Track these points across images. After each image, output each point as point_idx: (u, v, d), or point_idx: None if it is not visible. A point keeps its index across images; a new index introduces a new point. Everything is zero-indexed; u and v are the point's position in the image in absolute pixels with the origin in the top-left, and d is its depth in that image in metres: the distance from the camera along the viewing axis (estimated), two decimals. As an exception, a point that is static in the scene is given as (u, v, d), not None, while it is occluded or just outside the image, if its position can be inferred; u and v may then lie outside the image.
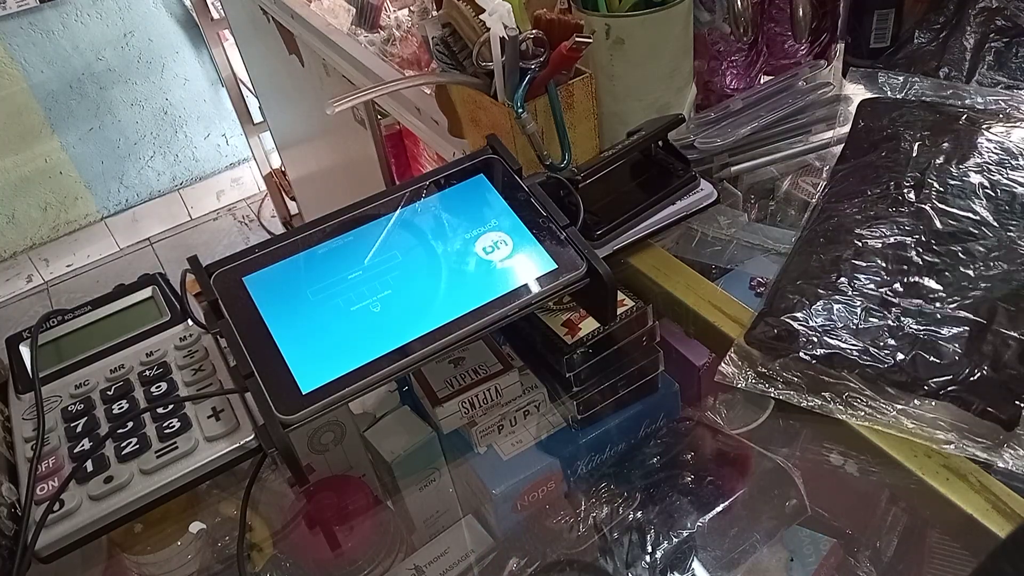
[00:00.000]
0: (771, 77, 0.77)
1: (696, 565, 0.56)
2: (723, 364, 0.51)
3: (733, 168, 0.69)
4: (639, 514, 0.58)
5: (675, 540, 0.57)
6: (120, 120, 2.44)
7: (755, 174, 0.70)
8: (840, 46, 0.81)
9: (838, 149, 0.66)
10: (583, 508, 0.59)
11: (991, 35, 0.69)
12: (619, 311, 0.56)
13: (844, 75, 0.80)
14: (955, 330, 0.47)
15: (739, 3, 0.71)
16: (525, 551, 0.58)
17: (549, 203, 0.55)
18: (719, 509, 0.59)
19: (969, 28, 0.70)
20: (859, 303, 0.50)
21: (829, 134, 0.69)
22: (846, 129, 0.68)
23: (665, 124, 0.63)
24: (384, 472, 0.61)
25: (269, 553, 0.56)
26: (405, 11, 1.12)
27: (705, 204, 0.63)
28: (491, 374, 0.59)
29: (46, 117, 2.31)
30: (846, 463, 0.56)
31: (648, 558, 0.56)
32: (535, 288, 0.50)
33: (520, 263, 0.52)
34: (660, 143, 0.65)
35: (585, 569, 0.57)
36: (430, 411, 0.59)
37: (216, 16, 2.08)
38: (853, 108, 0.67)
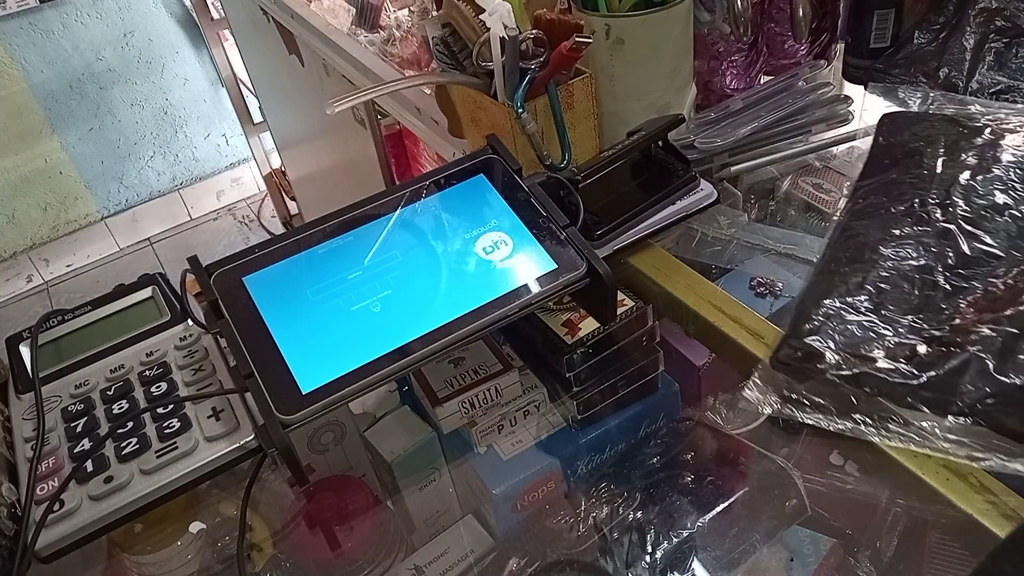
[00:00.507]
0: (771, 77, 0.77)
1: (696, 565, 0.56)
2: (747, 390, 0.50)
3: (733, 168, 0.69)
4: (639, 514, 0.58)
5: (675, 540, 0.57)
6: (120, 120, 2.44)
7: (755, 174, 0.70)
8: (840, 46, 0.81)
9: (838, 150, 0.66)
10: (583, 508, 0.59)
11: (991, 35, 0.69)
12: (619, 311, 0.56)
13: (844, 75, 0.80)
14: (987, 347, 0.46)
15: (739, 3, 0.71)
16: (525, 551, 0.58)
17: (549, 203, 0.55)
18: (719, 509, 0.59)
19: (969, 28, 0.70)
20: (886, 323, 0.48)
21: (829, 134, 0.69)
22: (847, 129, 0.68)
23: (665, 124, 0.63)
24: (384, 472, 0.61)
25: (269, 553, 0.56)
26: (405, 11, 1.12)
27: (705, 204, 0.63)
28: (491, 374, 0.59)
29: (46, 117, 2.31)
30: (846, 463, 0.56)
31: (648, 558, 0.56)
32: (535, 288, 0.50)
33: (520, 263, 0.52)
34: (660, 143, 0.65)
35: (585, 569, 0.57)
36: (430, 411, 0.59)
37: (216, 16, 2.09)
38: (853, 108, 0.67)
